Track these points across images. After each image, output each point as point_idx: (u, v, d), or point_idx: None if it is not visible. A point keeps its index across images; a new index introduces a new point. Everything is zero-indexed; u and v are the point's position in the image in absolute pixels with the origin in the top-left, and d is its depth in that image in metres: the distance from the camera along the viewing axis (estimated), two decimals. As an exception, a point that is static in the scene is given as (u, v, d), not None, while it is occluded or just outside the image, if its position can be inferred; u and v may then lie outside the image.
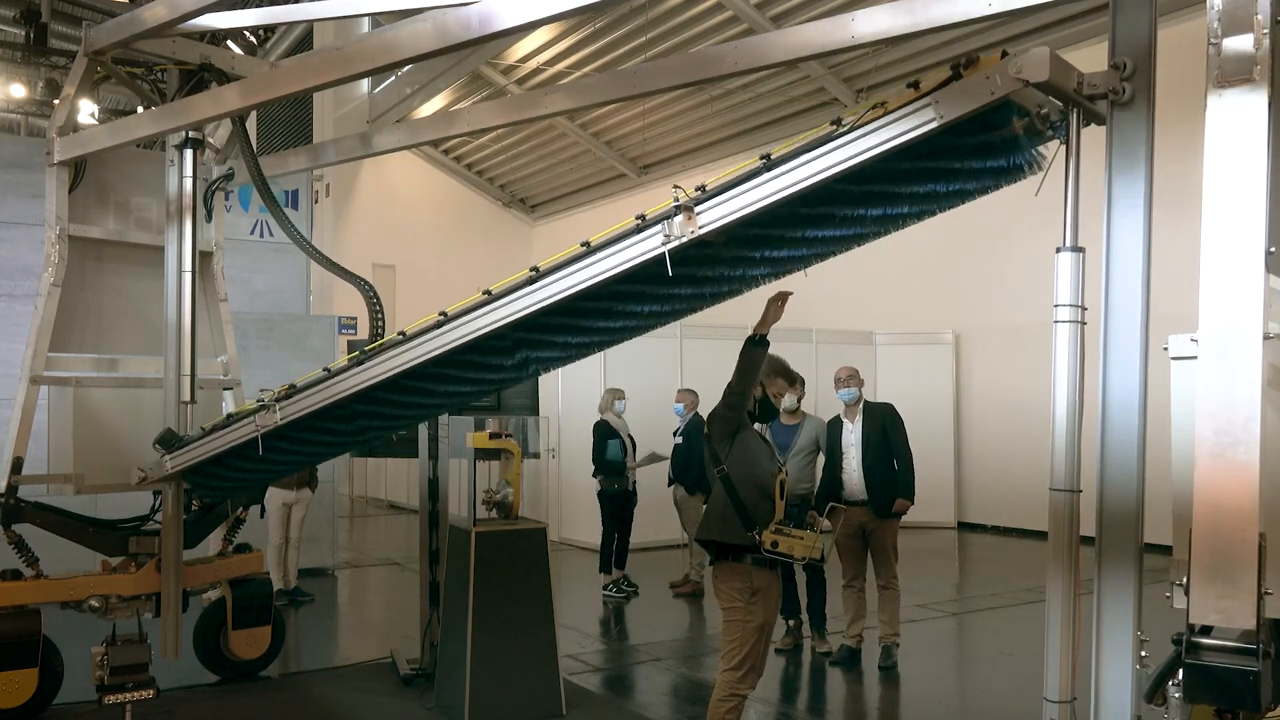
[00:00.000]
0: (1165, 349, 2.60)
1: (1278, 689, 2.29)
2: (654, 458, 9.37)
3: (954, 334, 13.94)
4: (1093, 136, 2.54)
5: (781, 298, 4.05)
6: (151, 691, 5.17)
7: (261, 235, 10.22)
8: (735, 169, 3.04)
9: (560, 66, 16.77)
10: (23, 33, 15.25)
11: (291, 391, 4.42)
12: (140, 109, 6.59)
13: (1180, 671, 2.26)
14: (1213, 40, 2.14)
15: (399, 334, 4.03)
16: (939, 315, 14.03)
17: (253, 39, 16.72)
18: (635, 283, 3.35)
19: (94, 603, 5.53)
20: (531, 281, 3.52)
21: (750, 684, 4.26)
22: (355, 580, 10.55)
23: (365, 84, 18.42)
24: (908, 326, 14.13)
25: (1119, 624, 2.41)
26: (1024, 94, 2.53)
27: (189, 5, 4.80)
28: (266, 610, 6.41)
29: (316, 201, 13.64)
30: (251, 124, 10.41)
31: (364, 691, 6.14)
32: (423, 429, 6.24)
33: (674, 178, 15.93)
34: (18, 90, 20.06)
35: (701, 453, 6.95)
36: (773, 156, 2.93)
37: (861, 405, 6.91)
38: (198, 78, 5.63)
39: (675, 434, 9.28)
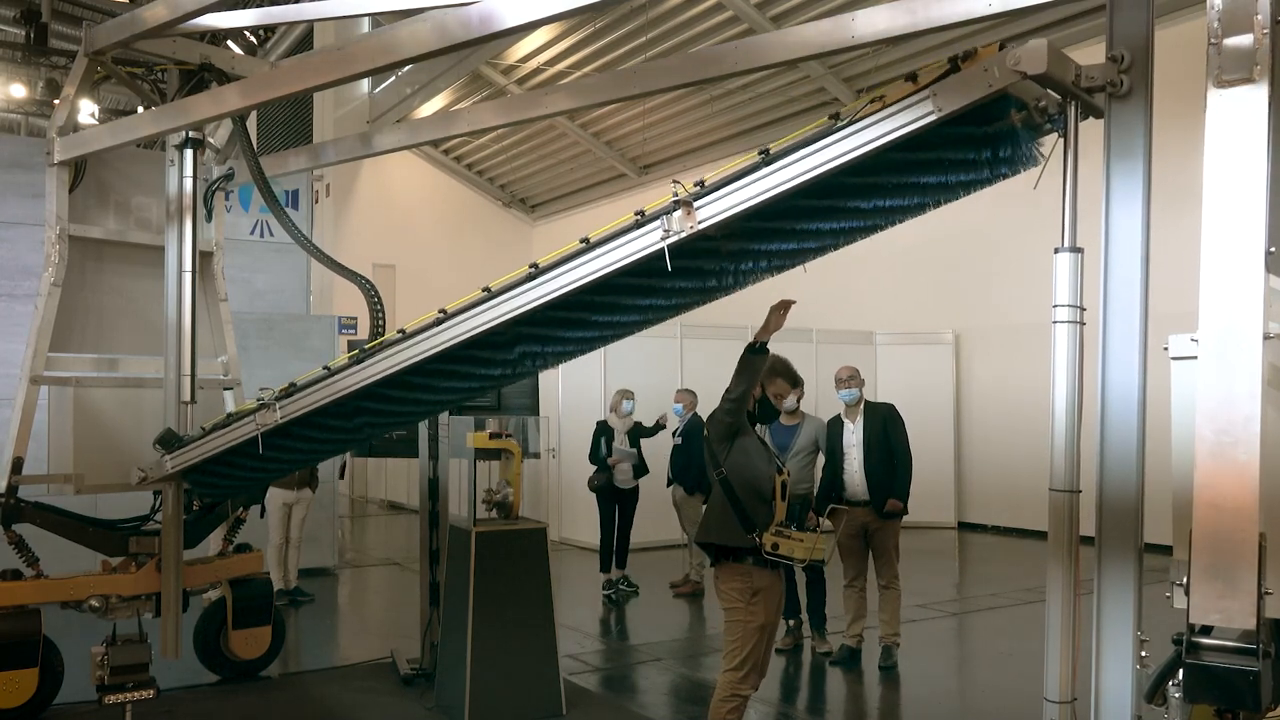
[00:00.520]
0: (1165, 349, 2.60)
1: (1278, 689, 2.29)
2: (641, 429, 9.41)
3: (954, 334, 13.94)
4: (1092, 136, 2.54)
5: (784, 306, 4.03)
6: (152, 691, 5.16)
7: (262, 235, 10.23)
8: (733, 164, 3.03)
9: (560, 66, 16.77)
10: (23, 33, 15.22)
11: (291, 390, 4.43)
12: (140, 109, 6.59)
13: (1180, 671, 2.26)
14: (1213, 39, 2.14)
15: (399, 331, 4.03)
16: (939, 315, 14.03)
17: (253, 39, 16.68)
18: (636, 277, 3.35)
19: (94, 603, 5.53)
20: (531, 278, 3.52)
21: (752, 684, 4.26)
22: (355, 580, 10.56)
23: (365, 84, 18.42)
24: (908, 326, 14.13)
25: (1119, 624, 2.40)
26: (1022, 87, 2.53)
27: (189, 5, 4.81)
28: (267, 610, 6.41)
29: (317, 201, 13.63)
30: (251, 124, 10.39)
31: (364, 691, 6.14)
32: (423, 429, 6.23)
33: (674, 177, 15.90)
34: (18, 90, 20.04)
35: (701, 453, 6.95)
36: (771, 151, 2.93)
37: (862, 405, 6.91)
38: (198, 78, 5.63)
39: (674, 434, 9.29)
